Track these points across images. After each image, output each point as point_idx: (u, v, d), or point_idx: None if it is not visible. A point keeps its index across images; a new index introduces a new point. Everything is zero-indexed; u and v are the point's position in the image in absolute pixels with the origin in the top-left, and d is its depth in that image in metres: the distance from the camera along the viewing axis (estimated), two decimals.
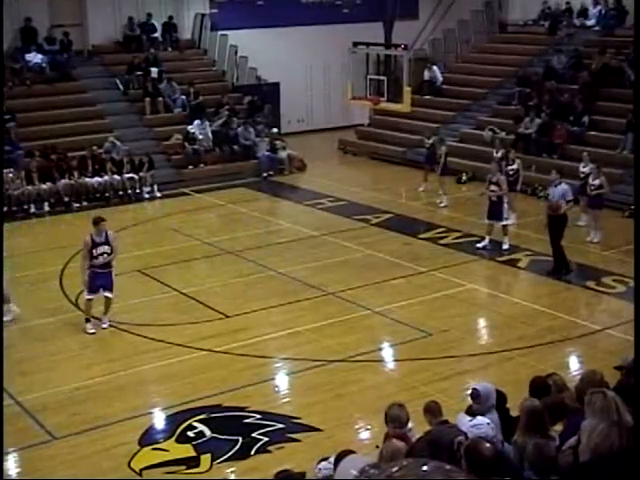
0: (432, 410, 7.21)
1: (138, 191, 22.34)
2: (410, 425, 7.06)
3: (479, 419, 6.54)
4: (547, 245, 16.71)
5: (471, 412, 7.05)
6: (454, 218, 20.01)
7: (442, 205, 20.97)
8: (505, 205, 17.35)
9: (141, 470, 9.80)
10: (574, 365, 12.65)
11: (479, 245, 17.43)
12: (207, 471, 9.78)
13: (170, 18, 27.34)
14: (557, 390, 7.19)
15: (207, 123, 24.68)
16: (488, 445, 5.22)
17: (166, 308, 14.83)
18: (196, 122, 24.62)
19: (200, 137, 24.42)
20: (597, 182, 17.52)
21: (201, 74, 27.45)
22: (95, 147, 22.32)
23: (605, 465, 4.50)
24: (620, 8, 26.13)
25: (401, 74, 21.38)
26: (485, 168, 22.68)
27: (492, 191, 17.10)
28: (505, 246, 17.26)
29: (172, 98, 25.65)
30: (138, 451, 10.15)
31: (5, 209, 20.47)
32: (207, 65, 28.16)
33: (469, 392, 7.61)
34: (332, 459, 6.43)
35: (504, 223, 17.29)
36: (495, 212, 17.17)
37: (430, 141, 22.21)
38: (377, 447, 7.32)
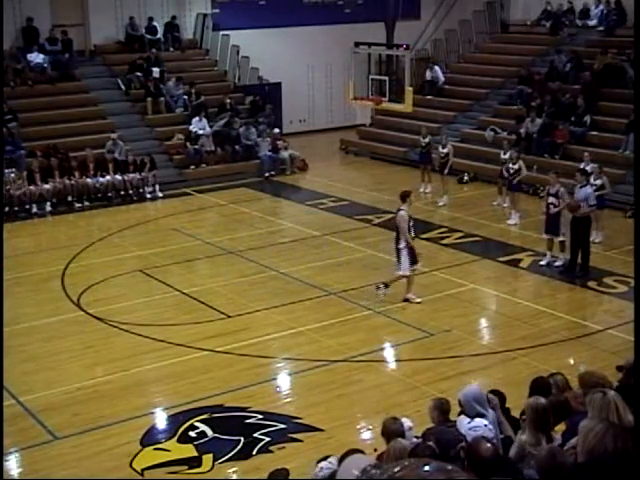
0: (441, 408, 7.14)
1: (140, 191, 22.36)
2: (410, 424, 7.05)
3: (477, 421, 6.54)
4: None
5: (466, 414, 7.04)
6: (456, 218, 20.00)
7: (441, 204, 20.96)
8: (562, 219, 16.11)
9: (143, 470, 9.80)
10: (576, 365, 12.63)
11: (542, 263, 16.40)
12: (209, 471, 9.78)
13: (173, 18, 27.33)
14: (559, 390, 7.17)
15: (205, 121, 24.67)
16: (488, 445, 5.22)
17: (168, 308, 14.84)
18: (194, 120, 24.63)
19: (201, 132, 24.42)
20: (599, 182, 17.49)
21: (203, 74, 27.45)
22: (89, 149, 22.26)
23: (597, 467, 4.49)
24: (622, 8, 26.11)
25: (403, 74, 21.32)
26: (486, 168, 22.85)
27: (551, 203, 16.07)
28: (558, 262, 16.24)
29: (174, 98, 25.66)
30: (140, 451, 10.15)
31: (7, 209, 20.52)
32: (209, 65, 28.16)
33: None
34: (333, 459, 6.42)
35: (561, 239, 16.19)
36: (552, 226, 16.17)
37: (426, 140, 22.19)
38: (375, 450, 7.32)
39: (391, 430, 6.64)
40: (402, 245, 14.46)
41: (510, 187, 19.60)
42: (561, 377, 7.40)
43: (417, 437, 6.86)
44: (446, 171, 21.21)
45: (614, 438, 4.52)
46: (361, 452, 6.31)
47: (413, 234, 14.66)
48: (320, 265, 16.81)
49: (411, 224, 14.52)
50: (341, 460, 6.09)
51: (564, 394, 7.01)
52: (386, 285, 14.75)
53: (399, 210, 14.62)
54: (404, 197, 14.76)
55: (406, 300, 14.67)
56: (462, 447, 5.63)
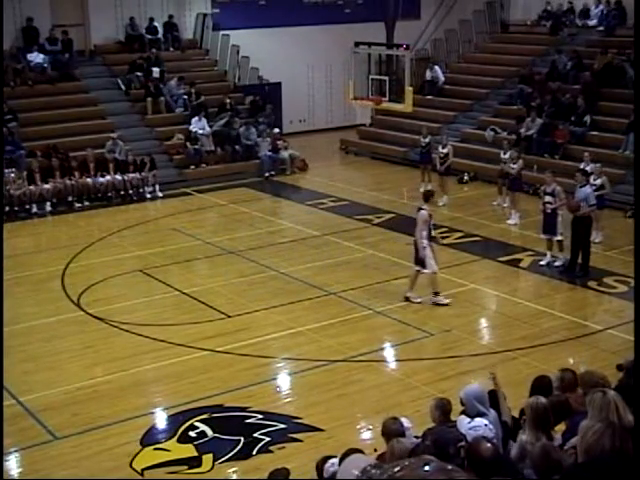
0: (443, 408, 7.14)
1: (140, 191, 22.36)
2: (408, 424, 7.05)
3: (477, 421, 6.55)
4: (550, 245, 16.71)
5: (467, 414, 7.05)
6: (456, 218, 19.98)
7: (441, 204, 20.96)
8: (559, 218, 16.12)
9: (143, 470, 9.80)
10: (576, 365, 12.62)
11: (542, 263, 16.38)
12: (209, 471, 9.77)
13: (170, 17, 27.29)
14: (563, 386, 7.12)
15: (205, 121, 24.67)
16: (488, 445, 5.22)
17: (168, 308, 14.84)
18: (194, 119, 24.64)
19: (201, 132, 24.43)
20: (599, 182, 17.48)
21: (203, 74, 27.45)
22: (90, 149, 22.27)
23: (595, 467, 4.49)
24: (622, 8, 26.13)
25: (403, 74, 21.32)
26: (486, 168, 22.86)
27: (547, 202, 16.02)
28: (558, 262, 16.23)
29: (174, 98, 25.65)
30: (140, 451, 10.15)
31: (7, 209, 20.52)
32: (209, 65, 28.17)
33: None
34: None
35: (558, 238, 16.15)
36: (549, 225, 16.13)
37: (427, 140, 22.18)
38: (375, 450, 7.31)
39: (391, 430, 6.64)
40: (425, 243, 14.40)
41: (510, 187, 19.61)
42: (571, 375, 7.32)
43: (417, 437, 6.86)
44: (442, 168, 21.16)
45: (612, 437, 4.52)
46: (360, 452, 6.32)
47: (434, 233, 14.70)
48: (320, 265, 16.81)
49: (432, 223, 14.53)
50: (341, 460, 6.09)
51: (568, 393, 6.98)
52: (436, 293, 14.60)
53: (420, 209, 14.53)
54: (427, 197, 14.79)
55: (407, 299, 14.66)
56: (462, 446, 5.64)
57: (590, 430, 4.60)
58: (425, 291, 15.01)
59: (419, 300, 14.63)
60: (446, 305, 14.50)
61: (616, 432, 4.56)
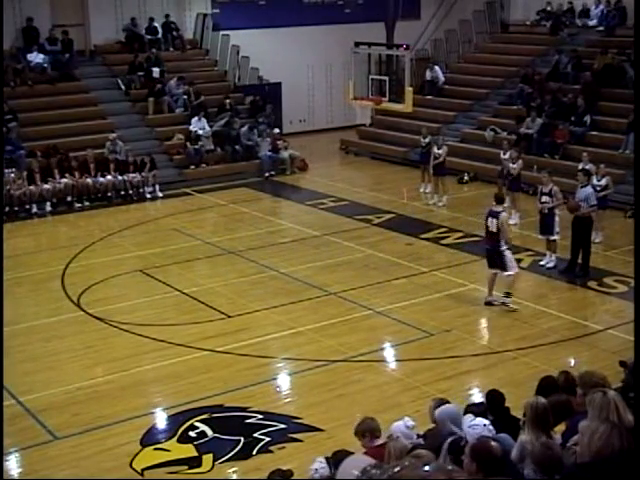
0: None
1: (140, 191, 22.36)
2: (412, 423, 7.04)
3: (477, 420, 6.54)
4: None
5: (470, 411, 7.05)
6: (456, 218, 19.99)
7: (441, 205, 20.96)
8: (557, 218, 16.06)
9: (143, 470, 9.80)
10: (576, 365, 12.62)
11: (542, 263, 16.34)
12: (209, 471, 9.77)
13: (167, 16, 27.19)
14: (567, 385, 7.10)
15: (205, 121, 24.67)
16: (496, 444, 5.22)
17: (168, 308, 14.84)
18: (194, 119, 24.64)
19: (201, 132, 24.43)
20: (603, 182, 17.47)
21: (203, 74, 27.44)
22: (90, 149, 22.26)
23: (605, 467, 4.49)
24: (622, 8, 26.14)
25: (403, 74, 21.34)
26: (486, 168, 22.86)
27: (544, 202, 15.97)
28: (550, 264, 16.23)
29: (174, 98, 25.65)
30: (140, 451, 10.15)
31: (7, 209, 20.52)
32: (209, 65, 28.16)
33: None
34: (322, 458, 6.43)
35: (554, 238, 16.16)
36: (546, 226, 16.08)
37: (427, 140, 22.16)
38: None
39: (366, 428, 6.69)
40: (504, 247, 14.22)
41: (510, 187, 19.60)
42: (564, 377, 7.32)
43: (419, 436, 6.87)
44: (430, 170, 21.20)
45: (620, 437, 4.52)
46: (351, 453, 6.32)
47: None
48: (320, 265, 16.81)
49: None
50: (337, 463, 6.08)
51: (571, 394, 6.97)
52: (508, 294, 14.41)
53: (499, 213, 14.18)
54: (500, 199, 14.63)
55: (489, 304, 14.46)
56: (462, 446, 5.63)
57: (596, 434, 4.59)
58: (426, 291, 14.99)
59: (508, 303, 14.48)
60: (513, 311, 14.26)
61: (623, 433, 4.56)
